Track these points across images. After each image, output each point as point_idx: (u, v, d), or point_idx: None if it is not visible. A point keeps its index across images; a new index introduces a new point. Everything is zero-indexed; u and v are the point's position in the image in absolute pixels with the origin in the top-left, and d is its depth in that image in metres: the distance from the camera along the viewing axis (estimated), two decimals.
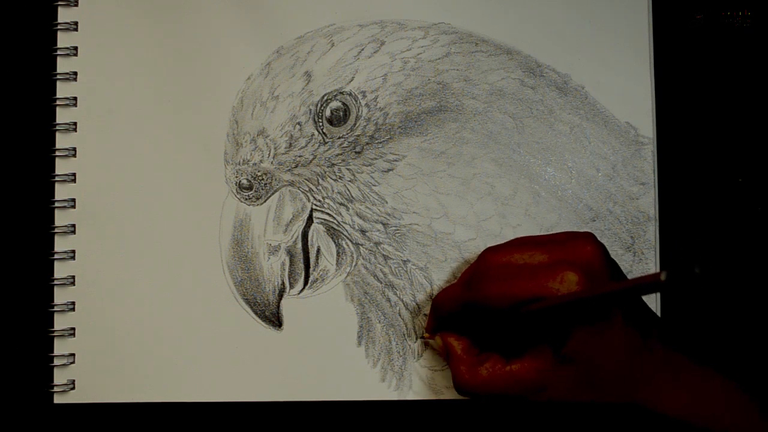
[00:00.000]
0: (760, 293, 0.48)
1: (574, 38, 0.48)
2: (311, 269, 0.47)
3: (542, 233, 0.46)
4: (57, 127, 0.47)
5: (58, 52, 0.48)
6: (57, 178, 0.47)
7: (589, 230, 0.45)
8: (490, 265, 0.41)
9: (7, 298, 0.47)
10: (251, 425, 0.47)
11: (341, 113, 0.47)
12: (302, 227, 0.47)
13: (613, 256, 0.47)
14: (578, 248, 0.39)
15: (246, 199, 0.47)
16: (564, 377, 0.39)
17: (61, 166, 0.47)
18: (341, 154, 0.47)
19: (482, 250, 0.42)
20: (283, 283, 0.47)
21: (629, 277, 0.47)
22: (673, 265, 0.30)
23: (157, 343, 0.47)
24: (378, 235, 0.47)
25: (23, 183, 0.48)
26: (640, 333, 0.38)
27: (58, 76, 0.48)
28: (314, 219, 0.47)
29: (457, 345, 0.42)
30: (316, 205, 0.47)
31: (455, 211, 0.47)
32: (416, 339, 0.47)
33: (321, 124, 0.47)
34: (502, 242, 0.43)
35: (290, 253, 0.47)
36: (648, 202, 0.47)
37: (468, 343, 0.42)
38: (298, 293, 0.47)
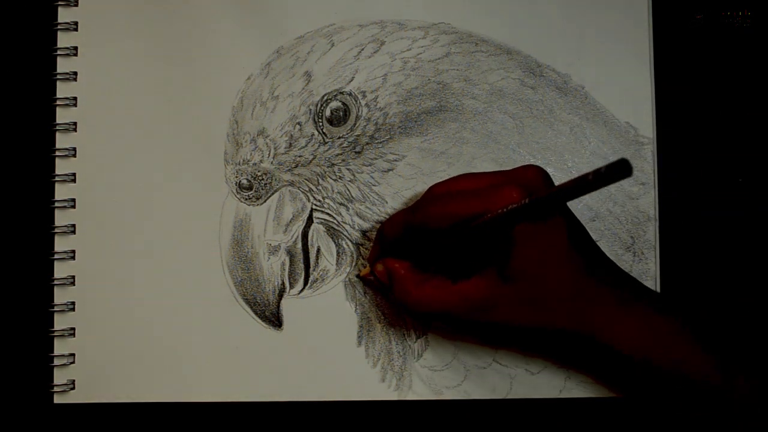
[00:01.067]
0: (760, 293, 0.48)
1: (574, 38, 0.48)
2: (311, 269, 0.47)
3: None
4: (57, 127, 0.47)
5: (58, 52, 0.48)
6: (57, 178, 0.47)
7: (588, 230, 0.46)
8: (435, 193, 0.41)
9: (7, 298, 0.47)
10: (251, 425, 0.47)
11: (341, 113, 0.47)
12: (302, 227, 0.47)
13: (613, 256, 0.47)
14: (520, 172, 0.40)
15: (246, 199, 0.47)
16: (510, 296, 0.39)
17: (61, 166, 0.47)
18: (341, 154, 0.47)
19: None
20: (283, 283, 0.47)
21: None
22: (601, 168, 0.31)
23: (157, 343, 0.47)
24: None
25: (23, 183, 0.48)
26: (585, 262, 0.39)
27: (58, 76, 0.48)
28: (314, 219, 0.47)
29: (400, 267, 0.42)
30: (316, 205, 0.47)
31: None
32: (416, 339, 0.47)
33: (321, 124, 0.47)
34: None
35: (290, 253, 0.47)
36: (648, 202, 0.47)
37: (411, 265, 0.42)
38: (298, 293, 0.47)
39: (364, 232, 0.47)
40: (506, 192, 0.37)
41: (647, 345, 0.39)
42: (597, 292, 0.39)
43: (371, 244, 0.46)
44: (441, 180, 0.42)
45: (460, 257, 0.40)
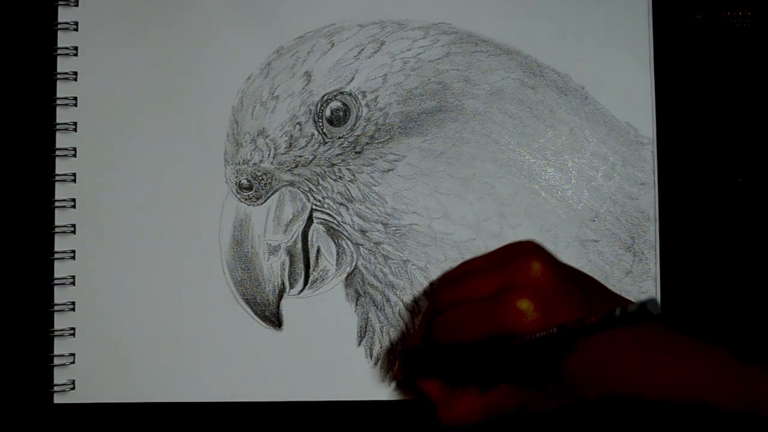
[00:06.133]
0: (760, 293, 0.48)
1: (574, 38, 0.48)
2: (311, 269, 0.47)
3: (539, 233, 0.46)
4: (57, 127, 0.47)
5: (58, 52, 0.48)
6: (57, 178, 0.47)
7: (588, 230, 0.46)
8: (443, 306, 0.40)
9: (7, 298, 0.47)
10: (251, 425, 0.47)
11: (341, 113, 0.47)
12: (302, 227, 0.47)
13: (613, 257, 0.47)
14: (521, 267, 0.38)
15: (246, 199, 0.47)
16: (539, 395, 0.39)
17: (61, 166, 0.47)
18: (341, 154, 0.47)
19: (435, 288, 0.43)
20: (283, 283, 0.47)
21: (627, 276, 0.47)
22: (629, 306, 0.31)
23: (157, 343, 0.47)
24: (378, 235, 0.47)
25: (23, 183, 0.48)
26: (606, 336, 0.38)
27: (58, 76, 0.48)
28: (314, 219, 0.47)
29: (431, 389, 0.42)
30: (316, 205, 0.47)
31: (455, 211, 0.47)
32: None
33: (321, 124, 0.47)
34: (453, 268, 0.44)
35: (290, 253, 0.47)
36: (648, 202, 0.47)
37: (440, 384, 0.42)
38: (298, 293, 0.47)
39: (364, 232, 0.47)
40: (520, 307, 0.36)
41: (677, 387, 0.37)
42: (618, 353, 0.38)
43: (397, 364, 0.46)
44: (443, 280, 0.43)
45: (482, 370, 0.40)
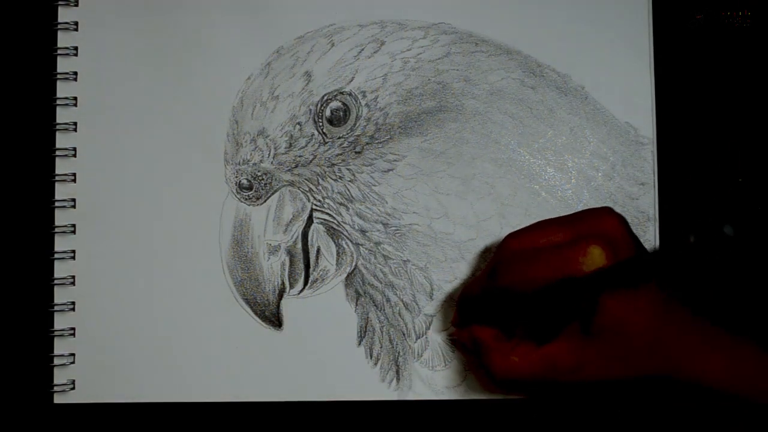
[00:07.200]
0: (760, 293, 0.48)
1: (574, 38, 0.48)
2: (311, 269, 0.47)
3: None
4: (57, 127, 0.47)
5: (58, 52, 0.48)
6: (57, 178, 0.47)
7: None
8: (513, 252, 0.41)
9: (7, 298, 0.47)
10: (251, 425, 0.47)
11: (341, 113, 0.47)
12: (302, 227, 0.47)
13: None
14: (598, 221, 0.39)
15: (246, 199, 0.47)
16: (596, 353, 0.38)
17: (61, 166, 0.47)
18: (341, 154, 0.47)
19: (504, 237, 0.42)
20: (283, 283, 0.47)
21: None
22: (701, 227, 0.30)
23: (157, 343, 0.47)
24: (378, 235, 0.47)
25: (23, 183, 0.48)
26: (664, 305, 0.38)
27: (58, 76, 0.48)
28: (314, 219, 0.47)
29: (486, 337, 0.42)
30: (316, 205, 0.47)
31: (455, 211, 0.47)
32: (416, 339, 0.47)
33: (321, 124, 0.47)
34: (522, 227, 0.43)
35: (290, 253, 0.47)
36: (648, 202, 0.48)
37: (496, 332, 0.42)
38: (298, 293, 0.47)
39: (364, 232, 0.47)
40: (591, 251, 0.37)
41: (732, 375, 0.37)
42: (678, 327, 0.38)
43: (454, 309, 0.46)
44: (514, 230, 0.42)
45: (543, 318, 0.40)
